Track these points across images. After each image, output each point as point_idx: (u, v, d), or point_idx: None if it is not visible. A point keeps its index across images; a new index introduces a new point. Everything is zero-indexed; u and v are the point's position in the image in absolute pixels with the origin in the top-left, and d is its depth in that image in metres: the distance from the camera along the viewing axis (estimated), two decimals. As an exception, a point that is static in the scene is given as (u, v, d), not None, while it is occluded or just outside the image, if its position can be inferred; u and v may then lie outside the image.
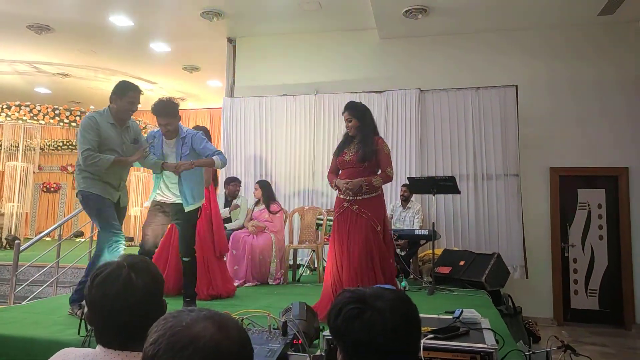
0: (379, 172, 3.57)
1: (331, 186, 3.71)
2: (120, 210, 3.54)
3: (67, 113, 9.35)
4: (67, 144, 12.68)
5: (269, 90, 7.18)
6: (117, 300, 1.13)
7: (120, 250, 3.30)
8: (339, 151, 3.64)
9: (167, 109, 3.55)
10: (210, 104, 11.54)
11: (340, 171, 3.64)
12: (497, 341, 1.77)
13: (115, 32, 7.53)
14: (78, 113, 9.46)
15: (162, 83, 10.29)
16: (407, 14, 6.17)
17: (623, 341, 5.50)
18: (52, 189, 13.23)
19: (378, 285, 1.42)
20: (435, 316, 2.20)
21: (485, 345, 1.61)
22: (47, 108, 9.18)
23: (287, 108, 6.92)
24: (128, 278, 1.16)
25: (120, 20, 7.16)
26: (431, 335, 1.65)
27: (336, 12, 6.62)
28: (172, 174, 3.58)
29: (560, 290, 6.21)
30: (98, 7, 6.78)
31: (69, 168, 13.10)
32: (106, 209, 3.35)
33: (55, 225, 5.47)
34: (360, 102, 3.77)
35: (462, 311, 2.02)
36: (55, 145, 12.69)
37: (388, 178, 3.56)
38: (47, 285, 5.34)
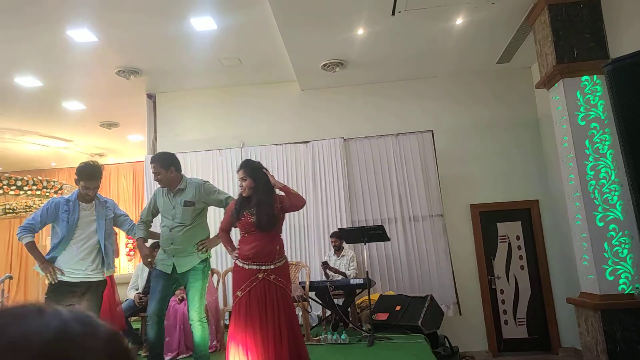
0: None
1: (226, 247, 3.49)
2: None
3: (-30, 179, 8.57)
4: (-29, 209, 11.54)
5: (193, 144, 7.05)
6: None
7: None
8: (239, 212, 3.28)
9: (95, 173, 3.54)
10: (132, 158, 11.10)
11: (243, 235, 3.31)
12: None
13: (23, 92, 7.11)
14: (-18, 178, 8.70)
15: (78, 140, 9.79)
16: (325, 67, 6.40)
17: (552, 366, 5.78)
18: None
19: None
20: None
21: None
22: (-55, 175, 8.36)
23: (213, 162, 6.81)
24: None
25: (28, 81, 6.78)
26: None
27: (256, 66, 6.71)
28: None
29: (492, 322, 6.47)
30: (1, 70, 6.38)
31: (-26, 236, 11.88)
32: None
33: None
34: (258, 162, 3.49)
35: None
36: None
37: (298, 198, 3.36)
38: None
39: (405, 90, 7.05)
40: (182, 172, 3.72)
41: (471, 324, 6.33)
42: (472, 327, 6.33)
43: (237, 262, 3.30)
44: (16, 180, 9.07)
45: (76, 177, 3.57)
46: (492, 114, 6.86)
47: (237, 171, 3.39)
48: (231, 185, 6.66)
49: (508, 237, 6.67)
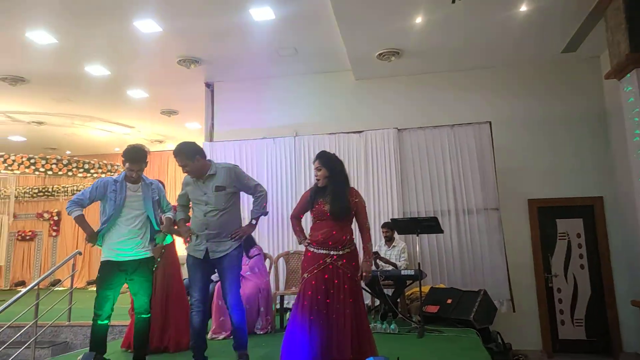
0: (359, 226, 3.46)
1: (295, 231, 3.53)
2: None
3: (43, 162, 9.21)
4: (43, 190, 12.43)
5: (248, 133, 7.21)
6: None
7: None
8: (313, 200, 3.40)
9: (139, 156, 3.68)
10: (190, 145, 11.50)
11: (315, 222, 3.42)
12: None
13: (92, 80, 7.53)
14: (54, 161, 9.32)
15: (140, 127, 10.27)
16: (380, 56, 6.35)
17: (612, 371, 5.53)
18: (27, 237, 12.87)
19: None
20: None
21: None
22: (21, 157, 9.03)
23: (267, 150, 6.94)
24: None
25: (97, 70, 7.17)
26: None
27: (312, 56, 6.76)
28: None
29: (547, 321, 6.25)
30: (73, 59, 6.79)
31: (45, 215, 12.80)
32: None
33: (34, 283, 5.27)
34: (333, 153, 3.60)
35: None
36: (31, 193, 12.42)
37: (369, 232, 3.47)
38: (25, 348, 5.12)
39: (461, 80, 6.87)
40: (221, 160, 3.77)
41: (525, 322, 6.15)
42: (526, 326, 6.15)
43: (308, 247, 3.39)
44: (84, 163, 9.65)
45: (122, 158, 3.76)
46: (554, 106, 6.57)
47: (313, 161, 3.51)
48: (284, 172, 6.78)
49: (568, 235, 6.40)
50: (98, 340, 3.51)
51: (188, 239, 3.58)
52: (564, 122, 6.51)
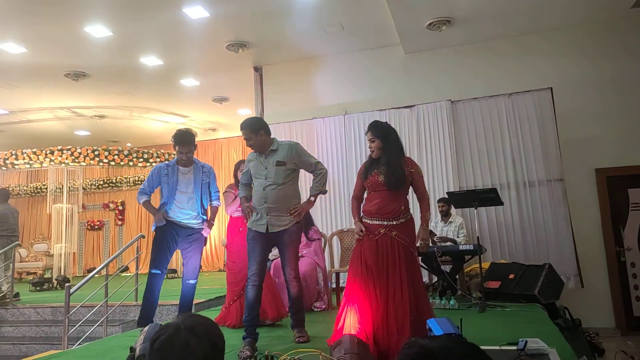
0: (417, 196, 3.39)
1: (353, 215, 3.41)
2: None
3: (106, 153, 9.68)
4: (108, 182, 13.12)
5: (298, 114, 7.22)
6: None
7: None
8: (367, 173, 3.34)
9: (187, 138, 4.07)
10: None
11: (369, 193, 3.36)
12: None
13: (146, 72, 7.80)
14: (116, 152, 9.78)
15: (194, 116, 10.56)
16: (430, 26, 6.12)
17: (695, 349, 5.11)
18: (96, 227, 13.66)
19: (445, 334, 1.33)
20: (497, 347, 2.08)
21: (558, 383, 1.49)
22: (87, 150, 9.53)
23: (317, 130, 6.93)
24: (186, 343, 1.13)
25: (151, 61, 7.41)
26: (497, 374, 1.54)
27: (359, 31, 6.64)
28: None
29: (620, 298, 5.87)
30: (129, 50, 7.04)
31: (111, 205, 13.52)
32: None
33: (103, 264, 5.58)
34: (385, 122, 3.52)
35: (526, 342, 1.90)
36: (97, 184, 13.15)
37: (428, 201, 3.37)
38: (97, 325, 5.44)
39: (518, 46, 6.50)
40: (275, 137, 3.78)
41: (595, 298, 5.81)
42: (596, 302, 5.81)
43: (363, 218, 3.34)
44: (143, 153, 10.07)
45: (172, 142, 3.97)
46: (622, 67, 6.08)
47: (365, 133, 3.41)
48: (334, 152, 6.74)
49: (642, 205, 5.95)
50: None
51: (249, 216, 3.64)
52: (633, 83, 6.01)
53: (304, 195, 3.98)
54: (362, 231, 3.24)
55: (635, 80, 6.02)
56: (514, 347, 1.93)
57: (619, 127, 6.02)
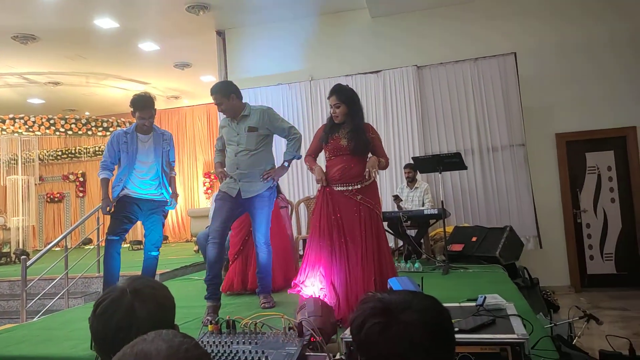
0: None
1: (310, 169, 3.37)
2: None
3: (62, 122, 9.25)
4: (67, 152, 12.61)
5: (263, 80, 7.04)
6: (118, 332, 1.04)
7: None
8: (328, 136, 3.27)
9: (147, 103, 3.75)
10: (206, 100, 11.37)
11: (330, 158, 3.29)
12: (524, 326, 1.68)
13: (101, 35, 7.39)
14: (73, 121, 9.36)
15: (155, 83, 10.16)
16: (397, -11, 6.00)
17: (643, 303, 5.42)
18: (56, 199, 13.19)
19: (405, 289, 1.31)
20: (457, 304, 2.11)
21: (515, 335, 1.51)
22: (41, 119, 9.08)
23: (282, 96, 6.80)
24: (130, 307, 1.06)
25: (105, 23, 7.01)
26: (456, 329, 1.56)
27: (324, -7, 6.45)
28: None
29: (575, 257, 6.13)
30: (80, 11, 6.63)
31: (71, 176, 13.05)
32: None
33: (61, 236, 5.41)
34: (348, 86, 3.41)
35: (485, 298, 1.93)
36: (55, 155, 12.63)
37: (387, 165, 3.35)
38: (58, 298, 5.30)
39: (483, 11, 6.48)
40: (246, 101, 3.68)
41: (552, 258, 6.05)
42: (553, 262, 6.05)
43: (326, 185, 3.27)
44: (102, 122, 9.67)
45: (131, 108, 3.74)
46: (583, 32, 6.15)
47: (328, 97, 3.29)
48: (300, 118, 6.66)
49: (598, 168, 6.16)
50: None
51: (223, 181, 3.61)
52: (595, 48, 6.11)
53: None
54: (322, 178, 3.22)
55: (594, 46, 6.12)
56: (474, 304, 1.97)
57: (578, 92, 6.14)
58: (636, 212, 5.98)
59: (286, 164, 3.64)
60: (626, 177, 6.05)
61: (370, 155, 3.28)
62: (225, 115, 3.61)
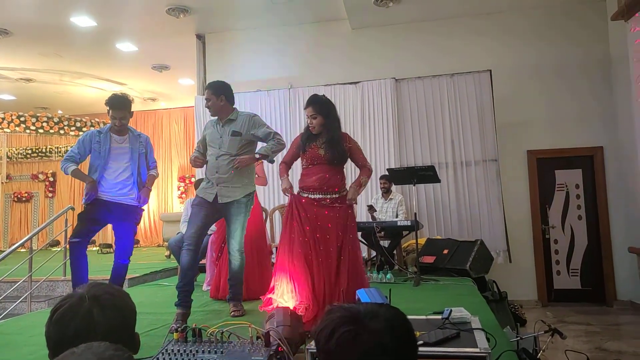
0: (359, 167, 3.43)
1: (281, 177, 3.38)
2: None
3: (34, 120, 9.01)
4: (37, 151, 12.26)
5: (242, 86, 7.00)
6: (75, 339, 1.01)
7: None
8: (306, 145, 3.30)
9: (122, 102, 3.68)
10: (184, 103, 11.27)
11: (307, 166, 3.32)
12: (488, 340, 1.71)
13: (78, 33, 7.25)
14: (45, 119, 9.13)
15: (132, 84, 10.00)
16: (377, 2, 6.09)
17: (606, 318, 5.57)
18: (23, 199, 12.79)
19: (371, 302, 1.32)
20: (424, 317, 2.13)
21: (477, 350, 1.54)
22: (11, 115, 8.82)
23: (261, 103, 6.78)
24: (88, 314, 1.03)
25: (83, 21, 6.89)
26: (420, 342, 1.58)
27: (306, 4, 6.49)
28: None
29: (542, 272, 6.27)
30: (57, 8, 6.49)
31: (40, 176, 12.69)
32: None
33: (27, 237, 5.24)
34: (324, 96, 3.45)
35: (450, 311, 1.95)
36: (25, 154, 12.27)
37: (370, 172, 3.40)
38: (20, 301, 5.12)
39: (462, 27, 6.62)
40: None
41: (521, 273, 6.17)
42: (521, 276, 6.17)
43: (300, 193, 3.30)
44: (75, 121, 9.46)
45: (107, 107, 3.69)
46: (556, 53, 6.35)
47: (305, 107, 3.33)
48: (279, 125, 6.64)
49: (566, 186, 6.33)
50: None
51: (196, 162, 3.55)
52: (567, 69, 6.31)
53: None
54: (287, 189, 3.26)
55: (568, 67, 6.31)
56: (440, 317, 1.99)
57: (550, 111, 6.32)
58: (601, 230, 6.16)
59: (257, 155, 3.51)
60: (592, 195, 6.24)
61: (350, 166, 3.33)
62: (210, 113, 3.60)
